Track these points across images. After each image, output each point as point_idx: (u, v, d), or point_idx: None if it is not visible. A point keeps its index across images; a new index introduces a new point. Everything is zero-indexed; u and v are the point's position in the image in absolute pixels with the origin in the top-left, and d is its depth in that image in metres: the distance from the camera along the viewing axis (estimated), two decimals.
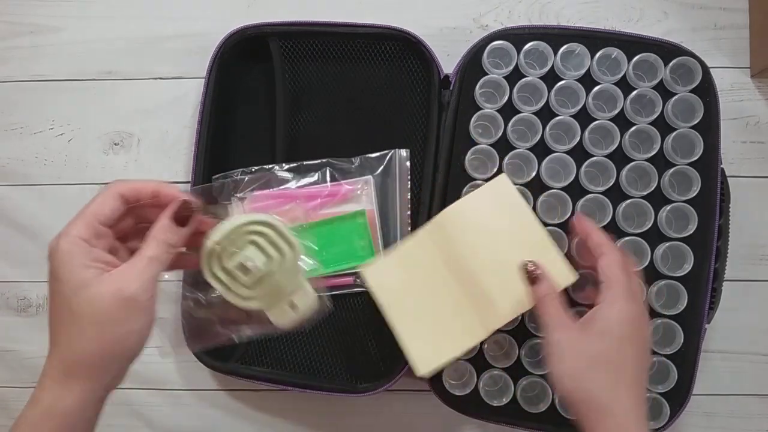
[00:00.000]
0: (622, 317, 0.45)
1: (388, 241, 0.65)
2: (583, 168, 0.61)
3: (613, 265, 0.47)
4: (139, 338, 0.38)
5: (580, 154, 0.61)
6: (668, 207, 0.60)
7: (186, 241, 0.41)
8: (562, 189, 0.61)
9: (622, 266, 0.47)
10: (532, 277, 0.49)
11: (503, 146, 0.62)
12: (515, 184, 0.61)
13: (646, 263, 0.59)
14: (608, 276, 0.46)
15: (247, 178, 0.67)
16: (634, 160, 0.61)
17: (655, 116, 0.61)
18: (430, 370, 0.53)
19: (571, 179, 0.61)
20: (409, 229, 0.65)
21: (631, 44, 0.62)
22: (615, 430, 0.42)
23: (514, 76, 0.62)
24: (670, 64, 0.61)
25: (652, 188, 0.60)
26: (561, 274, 0.52)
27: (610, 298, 0.45)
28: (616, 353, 0.44)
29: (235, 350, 0.65)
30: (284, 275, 0.44)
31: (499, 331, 0.60)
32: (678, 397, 0.59)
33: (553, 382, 0.45)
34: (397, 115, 0.67)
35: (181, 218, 0.40)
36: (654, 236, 0.60)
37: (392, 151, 0.67)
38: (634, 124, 0.61)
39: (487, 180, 0.61)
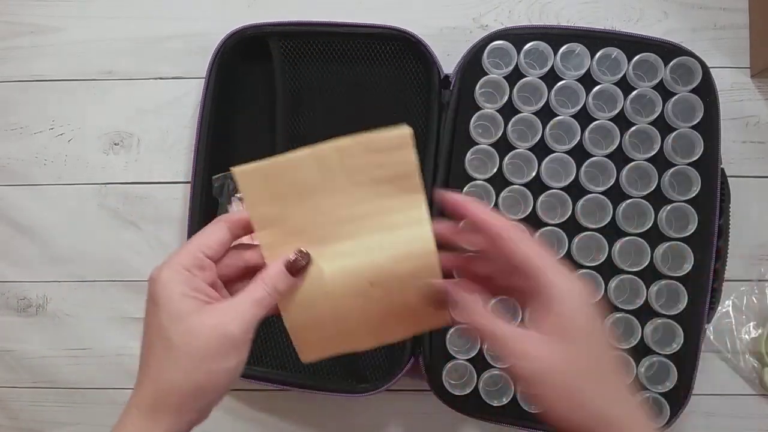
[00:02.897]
0: (581, 301, 0.36)
1: None
2: (583, 168, 0.61)
3: (526, 242, 0.36)
4: (230, 376, 0.37)
5: (580, 154, 0.61)
6: (668, 207, 0.60)
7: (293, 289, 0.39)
8: (562, 189, 0.61)
9: (534, 240, 0.37)
10: (441, 301, 0.38)
11: (503, 146, 0.62)
12: (515, 184, 0.61)
13: (646, 263, 0.59)
14: (528, 256, 0.36)
15: None
16: (634, 160, 0.61)
17: (655, 116, 0.60)
18: (312, 359, 0.42)
19: (571, 179, 0.61)
20: None
21: (631, 44, 0.62)
22: None
23: (514, 76, 0.62)
24: (670, 64, 0.61)
25: (652, 188, 0.60)
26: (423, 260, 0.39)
27: (552, 283, 0.35)
28: (597, 348, 0.36)
29: None
30: None
31: None
32: (678, 397, 0.59)
33: (545, 413, 0.36)
34: (397, 115, 0.67)
35: (297, 269, 0.38)
36: (654, 236, 0.60)
37: None
38: (634, 124, 0.61)
39: (487, 180, 0.62)
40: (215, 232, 0.38)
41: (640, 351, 0.59)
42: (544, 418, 0.36)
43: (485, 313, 0.37)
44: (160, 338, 0.36)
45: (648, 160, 0.60)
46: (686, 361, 0.59)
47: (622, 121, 0.61)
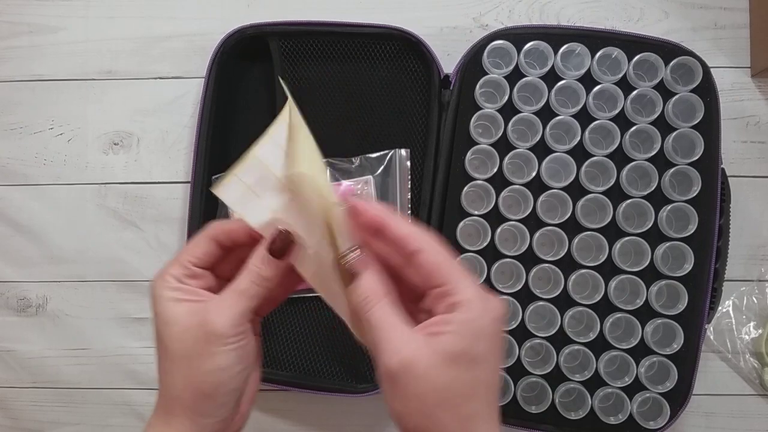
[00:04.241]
0: (490, 316, 0.33)
1: None
2: (583, 168, 0.61)
3: (440, 256, 0.33)
4: (232, 374, 0.35)
5: (580, 154, 0.61)
6: (668, 207, 0.60)
7: (283, 276, 0.37)
8: (562, 189, 0.61)
9: (450, 256, 0.34)
10: (352, 270, 0.35)
11: (503, 146, 0.62)
12: (515, 184, 0.61)
13: (646, 263, 0.59)
14: (444, 265, 0.33)
15: None
16: (634, 160, 0.61)
17: (655, 116, 0.60)
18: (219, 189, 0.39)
19: (571, 179, 0.61)
20: None
21: (632, 44, 0.62)
22: None
23: (515, 75, 0.62)
24: (671, 63, 0.61)
25: (652, 188, 0.60)
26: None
27: (464, 290, 0.32)
28: (481, 370, 0.32)
29: None
30: None
31: None
32: (678, 397, 0.59)
33: (393, 419, 0.33)
34: (397, 114, 0.67)
35: (280, 250, 0.36)
36: (654, 236, 0.60)
37: (392, 151, 0.66)
38: (635, 124, 0.61)
39: (487, 180, 0.62)
40: (200, 245, 0.38)
41: (640, 351, 0.59)
42: (393, 418, 0.33)
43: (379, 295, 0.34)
44: (160, 346, 0.36)
45: (648, 160, 0.60)
46: (686, 361, 0.59)
47: (622, 121, 0.61)
